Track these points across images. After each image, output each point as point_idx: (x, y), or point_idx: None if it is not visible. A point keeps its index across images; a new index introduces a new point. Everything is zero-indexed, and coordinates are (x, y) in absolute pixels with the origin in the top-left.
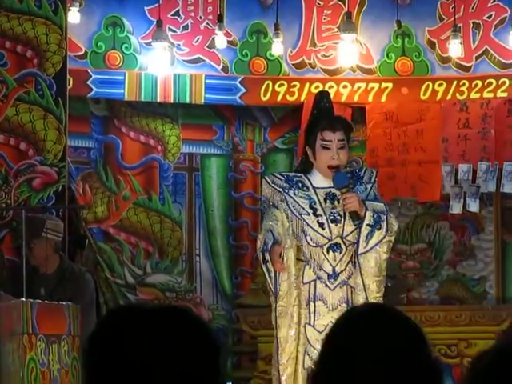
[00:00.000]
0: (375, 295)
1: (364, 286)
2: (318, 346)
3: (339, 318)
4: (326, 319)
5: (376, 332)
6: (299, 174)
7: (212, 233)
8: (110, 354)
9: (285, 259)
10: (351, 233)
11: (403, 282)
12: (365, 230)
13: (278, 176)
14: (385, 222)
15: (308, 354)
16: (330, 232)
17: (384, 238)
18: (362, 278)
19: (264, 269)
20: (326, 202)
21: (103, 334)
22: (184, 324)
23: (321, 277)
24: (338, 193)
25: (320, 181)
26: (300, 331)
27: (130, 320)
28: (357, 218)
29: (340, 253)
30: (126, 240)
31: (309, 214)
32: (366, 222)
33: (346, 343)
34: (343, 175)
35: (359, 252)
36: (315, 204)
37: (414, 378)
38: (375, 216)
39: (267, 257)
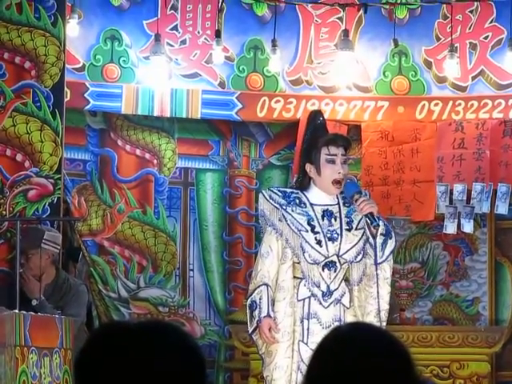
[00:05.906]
0: (385, 306)
1: (378, 296)
2: None
3: (325, 337)
4: (319, 337)
5: (362, 351)
6: (296, 191)
7: (206, 248)
8: (97, 370)
9: (275, 331)
10: (347, 251)
11: (396, 302)
12: (379, 240)
13: (276, 192)
14: (392, 233)
15: (301, 372)
16: (327, 250)
17: (395, 247)
18: (377, 288)
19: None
20: (323, 219)
21: (91, 350)
22: (172, 341)
23: (315, 294)
24: (334, 210)
25: (317, 198)
26: (294, 348)
27: (117, 337)
28: (373, 219)
29: (335, 271)
30: (120, 253)
31: (307, 231)
32: (380, 231)
33: (332, 361)
34: (354, 182)
35: (378, 262)
36: (313, 221)
37: None
38: (386, 225)
39: (254, 325)
